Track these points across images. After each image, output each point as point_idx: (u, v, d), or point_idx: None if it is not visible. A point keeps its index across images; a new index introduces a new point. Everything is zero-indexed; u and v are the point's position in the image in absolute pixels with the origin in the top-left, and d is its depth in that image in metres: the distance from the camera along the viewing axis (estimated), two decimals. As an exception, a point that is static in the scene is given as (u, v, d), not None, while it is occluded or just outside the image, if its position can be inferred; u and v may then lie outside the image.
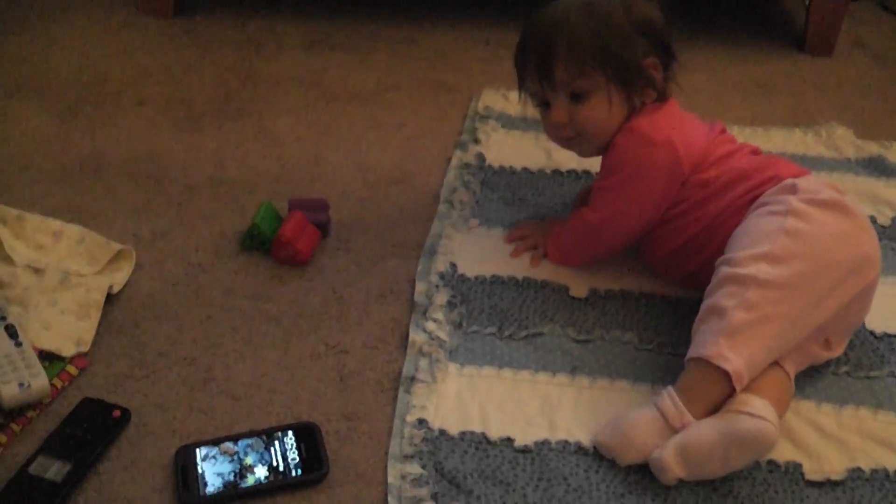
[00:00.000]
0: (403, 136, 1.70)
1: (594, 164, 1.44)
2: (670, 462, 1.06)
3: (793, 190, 1.19)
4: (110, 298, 1.30)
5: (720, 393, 1.09)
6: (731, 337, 1.09)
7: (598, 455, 1.11)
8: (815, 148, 1.69)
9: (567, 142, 1.36)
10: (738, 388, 1.08)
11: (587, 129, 1.31)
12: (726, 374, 1.07)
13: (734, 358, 1.08)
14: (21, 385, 1.11)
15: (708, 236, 1.27)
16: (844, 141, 1.69)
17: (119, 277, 1.33)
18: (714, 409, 1.10)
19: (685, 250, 1.30)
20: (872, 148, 1.69)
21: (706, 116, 1.71)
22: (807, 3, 2.04)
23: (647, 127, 1.29)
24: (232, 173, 1.58)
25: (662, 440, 1.08)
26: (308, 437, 1.11)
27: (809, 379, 1.22)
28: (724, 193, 1.26)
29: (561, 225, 1.40)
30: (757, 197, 1.22)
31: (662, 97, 1.32)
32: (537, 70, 1.30)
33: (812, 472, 1.11)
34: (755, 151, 1.34)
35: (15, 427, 1.12)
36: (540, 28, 1.31)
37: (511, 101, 1.79)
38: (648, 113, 1.31)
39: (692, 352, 1.11)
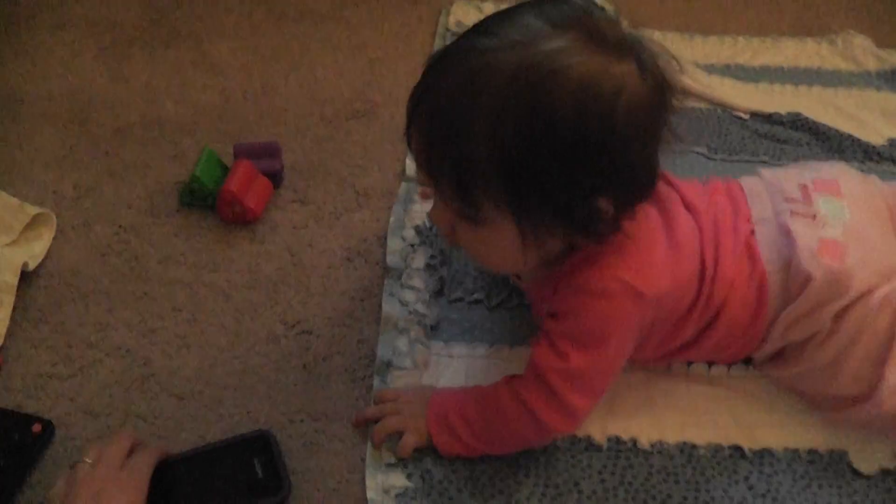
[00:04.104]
0: (365, 60, 1.47)
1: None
2: None
3: None
4: (26, 277, 1.10)
5: None
6: None
7: (612, 453, 0.95)
8: (831, 60, 1.48)
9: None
10: None
11: (476, 258, 0.91)
12: None
13: None
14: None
15: None
16: (864, 51, 1.48)
17: (37, 250, 1.13)
18: None
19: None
20: (896, 59, 1.49)
21: (708, 28, 1.53)
22: None
23: (595, 281, 0.86)
24: (168, 111, 1.36)
25: None
26: (262, 451, 0.93)
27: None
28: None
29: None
30: None
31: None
32: (417, 159, 0.84)
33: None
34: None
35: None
36: (434, 101, 0.80)
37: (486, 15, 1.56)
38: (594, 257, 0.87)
39: None
